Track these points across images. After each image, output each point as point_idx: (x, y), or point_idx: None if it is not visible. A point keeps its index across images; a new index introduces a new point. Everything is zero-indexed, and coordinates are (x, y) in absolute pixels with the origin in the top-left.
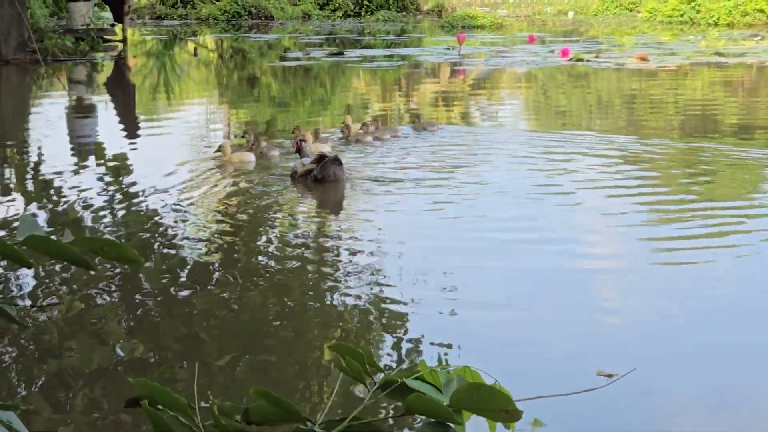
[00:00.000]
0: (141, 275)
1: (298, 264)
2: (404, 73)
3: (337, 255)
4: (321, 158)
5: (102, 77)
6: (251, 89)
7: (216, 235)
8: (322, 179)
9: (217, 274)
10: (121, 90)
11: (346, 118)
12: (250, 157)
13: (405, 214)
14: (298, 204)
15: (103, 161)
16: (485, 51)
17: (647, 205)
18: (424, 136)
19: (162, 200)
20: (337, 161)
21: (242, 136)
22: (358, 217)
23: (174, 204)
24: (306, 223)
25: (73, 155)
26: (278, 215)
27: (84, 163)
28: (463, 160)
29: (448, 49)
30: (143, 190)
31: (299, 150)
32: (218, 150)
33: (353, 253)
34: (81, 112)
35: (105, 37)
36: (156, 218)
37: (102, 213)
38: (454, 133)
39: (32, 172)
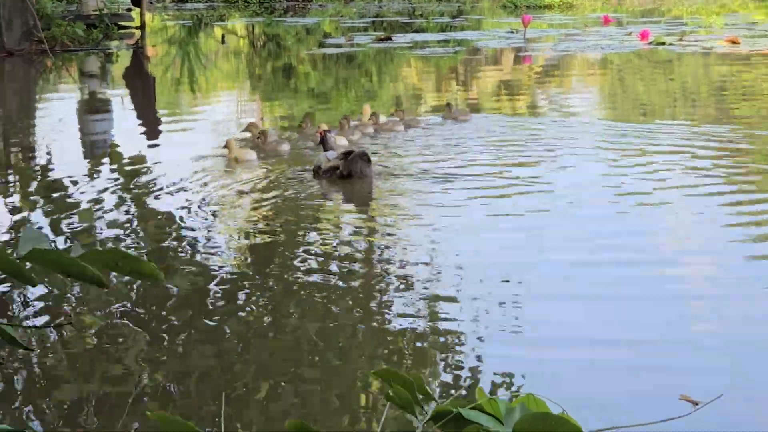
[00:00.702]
0: (163, 293)
1: (339, 277)
2: (461, 61)
3: (382, 265)
4: (348, 153)
5: (117, 69)
6: (287, 81)
7: (244, 247)
8: (349, 175)
9: (247, 290)
10: (140, 83)
11: (366, 107)
12: (250, 154)
13: (456, 218)
14: (328, 205)
15: (118, 164)
16: (554, 34)
17: (749, 215)
18: (457, 127)
19: (184, 207)
20: (365, 157)
21: (245, 129)
22: (401, 221)
23: (197, 211)
24: (341, 228)
25: (85, 158)
26: (309, 220)
27: (97, 168)
28: (524, 155)
29: (512, 32)
30: (163, 197)
31: (323, 141)
32: (226, 146)
33: (402, 264)
34: (94, 109)
35: (120, 23)
36: (177, 228)
37: (118, 223)
38: (511, 123)
39: (39, 177)
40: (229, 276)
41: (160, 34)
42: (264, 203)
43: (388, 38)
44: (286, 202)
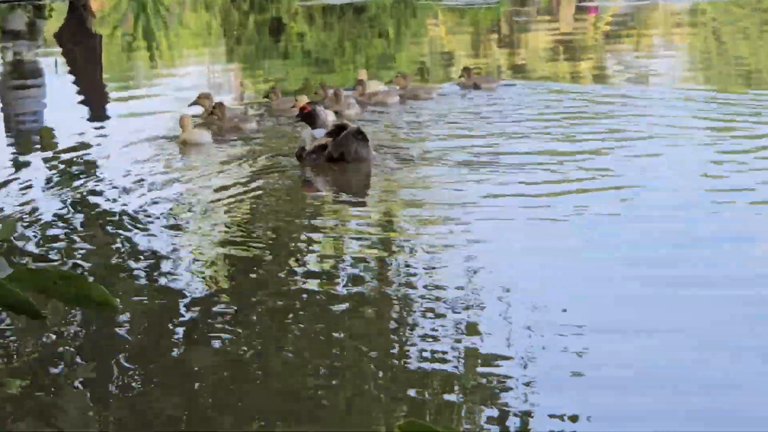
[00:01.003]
0: (120, 321)
1: (345, 296)
2: (505, 14)
3: (399, 288)
4: (338, 130)
5: (51, 27)
6: (275, 42)
7: (215, 264)
8: (340, 158)
9: (226, 322)
10: (81, 45)
11: (360, 72)
12: (204, 136)
13: (491, 222)
14: (319, 204)
15: (52, 154)
16: None
17: None
18: (483, 98)
19: (137, 211)
20: (359, 135)
21: (194, 103)
22: (419, 226)
23: (152, 217)
24: (341, 236)
25: (9, 144)
26: (298, 226)
27: (23, 158)
28: (583, 137)
29: None
30: (110, 197)
31: (310, 117)
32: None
33: (425, 286)
34: (20, 79)
35: None
36: (129, 239)
37: (52, 234)
38: (568, 95)
39: None
40: (199, 302)
41: None
42: (236, 203)
43: None
44: (263, 201)
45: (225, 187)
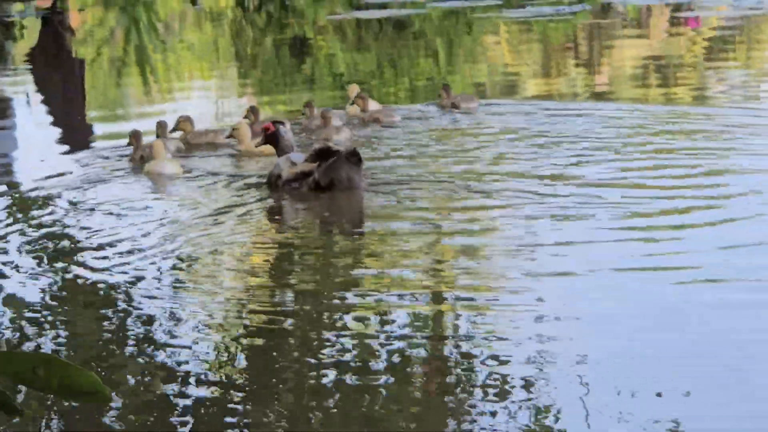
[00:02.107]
0: (113, 415)
1: (359, 376)
2: (583, 26)
3: (457, 352)
4: (324, 154)
5: (22, 48)
6: (298, 64)
7: (226, 326)
8: (329, 185)
9: (242, 402)
10: (58, 71)
11: (352, 87)
12: (167, 167)
13: (519, 254)
14: (308, 244)
15: (25, 203)
16: None
17: None
18: (466, 119)
19: (123, 266)
20: (354, 157)
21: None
22: (442, 269)
23: (145, 271)
24: (345, 286)
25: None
26: (313, 272)
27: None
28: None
29: None
30: (93, 255)
31: (272, 138)
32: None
33: (453, 350)
34: None
35: None
36: (122, 301)
37: (30, 301)
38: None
39: None
40: (206, 386)
41: None
42: (230, 253)
43: None
44: (262, 249)
45: (211, 233)
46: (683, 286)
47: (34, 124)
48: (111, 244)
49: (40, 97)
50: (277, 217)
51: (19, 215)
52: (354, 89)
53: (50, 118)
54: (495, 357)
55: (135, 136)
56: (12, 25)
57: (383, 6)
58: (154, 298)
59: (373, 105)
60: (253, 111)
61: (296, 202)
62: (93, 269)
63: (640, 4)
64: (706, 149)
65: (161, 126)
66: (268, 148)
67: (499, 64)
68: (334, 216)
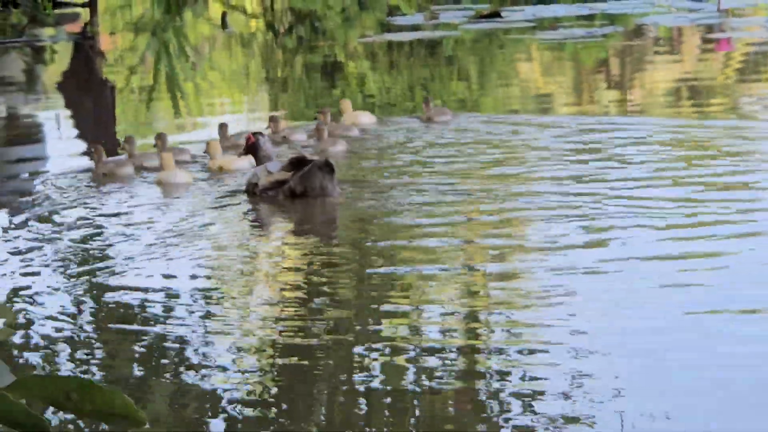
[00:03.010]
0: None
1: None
2: (614, 48)
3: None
4: (299, 163)
5: (53, 72)
6: (329, 87)
7: (262, 345)
8: (303, 193)
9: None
10: (89, 95)
11: (344, 102)
12: (178, 177)
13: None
14: (295, 243)
15: (54, 226)
16: None
17: None
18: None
19: (152, 285)
20: (327, 167)
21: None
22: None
23: (177, 289)
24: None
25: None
26: (342, 287)
27: (19, 232)
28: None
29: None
30: (124, 276)
31: (253, 148)
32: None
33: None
34: (15, 138)
35: None
36: (155, 322)
37: (62, 323)
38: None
39: None
40: (243, 407)
41: (120, 15)
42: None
43: (496, 14)
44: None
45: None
46: (718, 301)
47: (63, 147)
48: (136, 261)
49: (70, 120)
50: (294, 229)
51: (46, 234)
52: (346, 104)
53: (81, 142)
54: (528, 373)
55: (128, 141)
56: (43, 49)
57: (415, 28)
58: (184, 316)
59: (365, 117)
60: (222, 128)
61: (269, 209)
62: (121, 288)
63: (671, 24)
64: (738, 165)
65: (161, 138)
66: (235, 164)
67: (531, 86)
68: (306, 221)
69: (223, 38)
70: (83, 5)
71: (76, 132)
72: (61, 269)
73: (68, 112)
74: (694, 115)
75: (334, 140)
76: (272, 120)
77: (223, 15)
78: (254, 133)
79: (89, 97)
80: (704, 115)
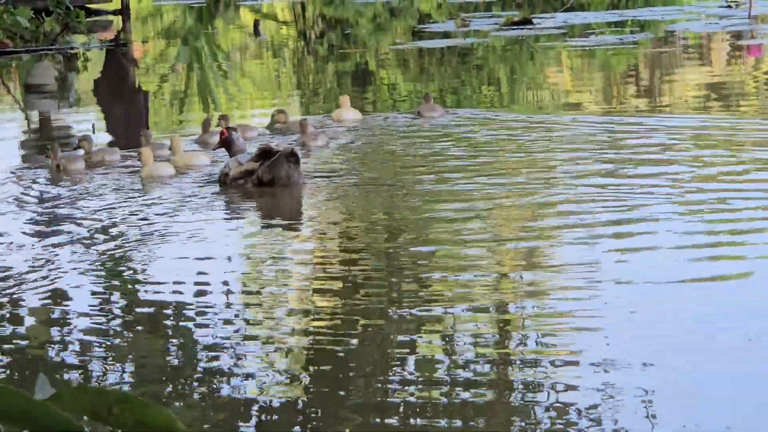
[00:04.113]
0: None
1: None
2: (645, 56)
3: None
4: (266, 154)
5: (85, 80)
6: (361, 93)
7: (299, 350)
8: (271, 182)
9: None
10: (123, 102)
11: (343, 99)
12: (162, 170)
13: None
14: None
15: (85, 228)
16: None
17: None
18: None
19: (183, 291)
20: (293, 157)
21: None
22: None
23: (212, 297)
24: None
25: (35, 235)
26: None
27: (53, 243)
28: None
29: (728, 6)
30: (152, 282)
31: (226, 143)
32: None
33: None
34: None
35: (89, 6)
36: (191, 330)
37: (93, 335)
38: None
39: None
40: (282, 416)
41: (152, 23)
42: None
43: (526, 21)
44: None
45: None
46: (759, 308)
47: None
48: (166, 268)
49: (104, 128)
50: (234, 213)
51: (78, 241)
52: (344, 99)
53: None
54: (561, 381)
55: (85, 140)
56: (75, 57)
57: (446, 35)
58: (215, 324)
59: (351, 114)
60: (205, 123)
61: (238, 198)
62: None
63: (700, 31)
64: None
65: (146, 135)
66: (194, 160)
67: (561, 91)
68: (273, 208)
69: (254, 45)
70: (115, 13)
71: (110, 139)
72: (103, 276)
73: (101, 119)
74: (724, 116)
75: (316, 134)
76: (280, 112)
77: (256, 23)
78: (227, 128)
79: (122, 104)
80: (736, 115)
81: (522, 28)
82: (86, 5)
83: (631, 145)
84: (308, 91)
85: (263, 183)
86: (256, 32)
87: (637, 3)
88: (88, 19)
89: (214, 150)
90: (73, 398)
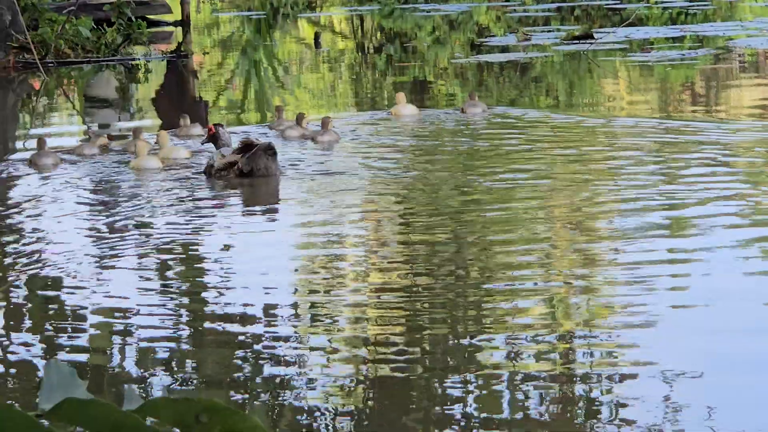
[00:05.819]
0: None
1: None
2: (704, 71)
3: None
4: (247, 147)
5: (146, 91)
6: (419, 106)
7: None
8: (250, 173)
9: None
10: (183, 113)
11: (399, 96)
12: (149, 162)
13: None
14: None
15: (149, 246)
16: None
17: None
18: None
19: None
20: (270, 150)
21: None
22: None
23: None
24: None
25: (100, 247)
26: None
27: (115, 259)
28: None
29: None
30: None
31: (213, 138)
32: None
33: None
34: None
35: (150, 17)
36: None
37: (155, 338)
38: None
39: (39, 283)
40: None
41: (212, 34)
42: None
43: (588, 36)
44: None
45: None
46: None
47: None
48: (220, 275)
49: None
50: (215, 201)
51: (138, 248)
52: (401, 97)
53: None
54: (619, 399)
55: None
56: (136, 68)
57: (505, 49)
58: (280, 336)
59: (409, 109)
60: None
61: (220, 187)
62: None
63: (761, 47)
64: None
65: (137, 131)
66: (174, 154)
67: (618, 106)
68: (251, 197)
69: (311, 57)
70: (176, 24)
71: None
72: (159, 287)
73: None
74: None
75: (326, 131)
76: (277, 110)
77: (317, 35)
78: (215, 125)
79: (181, 119)
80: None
81: (583, 43)
82: (147, 16)
83: (688, 151)
84: (366, 101)
85: (243, 174)
86: (317, 44)
87: (697, 18)
88: (150, 30)
89: (202, 144)
90: (161, 408)
